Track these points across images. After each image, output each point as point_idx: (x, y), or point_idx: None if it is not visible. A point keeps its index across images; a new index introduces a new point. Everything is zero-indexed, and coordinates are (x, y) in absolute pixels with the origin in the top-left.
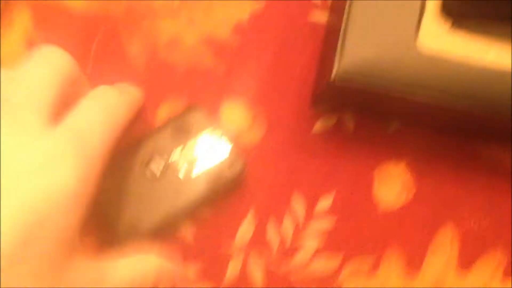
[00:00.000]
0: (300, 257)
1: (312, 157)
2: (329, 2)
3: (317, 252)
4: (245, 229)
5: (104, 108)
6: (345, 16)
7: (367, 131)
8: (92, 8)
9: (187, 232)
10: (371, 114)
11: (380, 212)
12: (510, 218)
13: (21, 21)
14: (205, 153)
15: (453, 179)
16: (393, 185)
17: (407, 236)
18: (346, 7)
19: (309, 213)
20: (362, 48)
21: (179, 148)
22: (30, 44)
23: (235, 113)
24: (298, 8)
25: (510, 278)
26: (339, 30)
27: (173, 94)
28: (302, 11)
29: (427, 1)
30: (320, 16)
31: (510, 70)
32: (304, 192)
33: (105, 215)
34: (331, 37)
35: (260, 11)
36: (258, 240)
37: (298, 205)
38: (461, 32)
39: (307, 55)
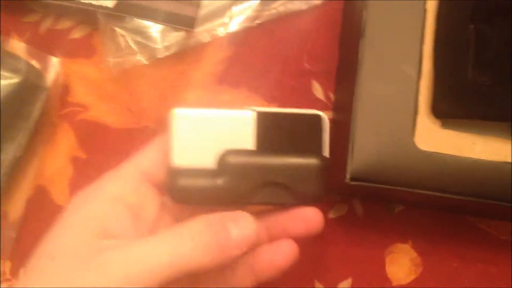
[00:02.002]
0: None
1: (328, 244)
2: (332, 99)
3: None
4: None
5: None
6: (352, 124)
7: (374, 216)
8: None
9: None
10: (377, 201)
11: (394, 287)
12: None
13: (66, 141)
14: None
15: (454, 253)
16: (402, 263)
17: None
18: (352, 115)
19: None
20: (369, 152)
21: None
22: (75, 160)
23: None
24: (306, 105)
25: None
26: (346, 129)
27: None
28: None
29: (419, 103)
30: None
31: (496, 161)
32: (324, 280)
33: None
34: (338, 135)
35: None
36: None
37: None
38: (450, 130)
39: None
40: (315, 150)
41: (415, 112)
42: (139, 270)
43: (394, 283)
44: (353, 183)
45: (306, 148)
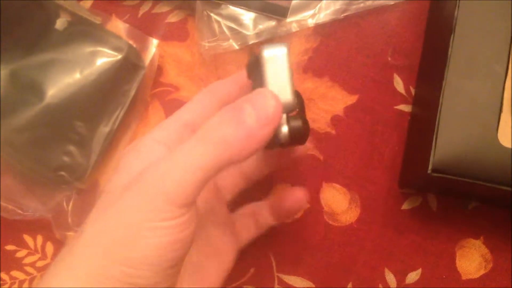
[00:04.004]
0: None
1: (400, 235)
2: (412, 94)
3: None
4: None
5: None
6: (437, 116)
7: (448, 211)
8: None
9: None
10: (452, 195)
11: (463, 281)
12: None
13: (156, 118)
14: None
15: None
16: (473, 257)
17: None
18: (439, 108)
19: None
20: (453, 144)
21: None
22: None
23: (334, 196)
24: (386, 98)
25: None
26: (428, 123)
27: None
28: (389, 102)
29: (504, 101)
30: (405, 106)
31: None
32: (394, 268)
33: None
34: (419, 128)
35: (353, 104)
36: None
37: (390, 279)
38: None
39: (394, 140)
40: None
41: (500, 110)
42: (172, 185)
43: (464, 277)
44: (435, 174)
45: None
